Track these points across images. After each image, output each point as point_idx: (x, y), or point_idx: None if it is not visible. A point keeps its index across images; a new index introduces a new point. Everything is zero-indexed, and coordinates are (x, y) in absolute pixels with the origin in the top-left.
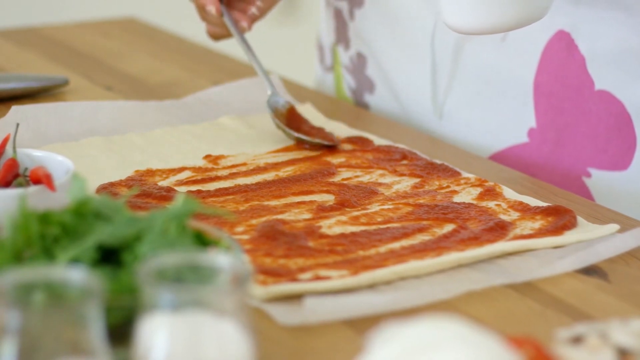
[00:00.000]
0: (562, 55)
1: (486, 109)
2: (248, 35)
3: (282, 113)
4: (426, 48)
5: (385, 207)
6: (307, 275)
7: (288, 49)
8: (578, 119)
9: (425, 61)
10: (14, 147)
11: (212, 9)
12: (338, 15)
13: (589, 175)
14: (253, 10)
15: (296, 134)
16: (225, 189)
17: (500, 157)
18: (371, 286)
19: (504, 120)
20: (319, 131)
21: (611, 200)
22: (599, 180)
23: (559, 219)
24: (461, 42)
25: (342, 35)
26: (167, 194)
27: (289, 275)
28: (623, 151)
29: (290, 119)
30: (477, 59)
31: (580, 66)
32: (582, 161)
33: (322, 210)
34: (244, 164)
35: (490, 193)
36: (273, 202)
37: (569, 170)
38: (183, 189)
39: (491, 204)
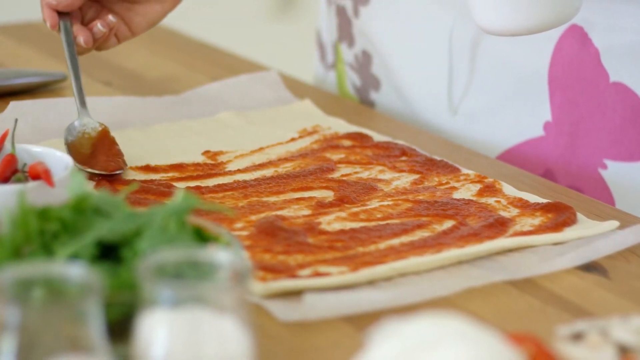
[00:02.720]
0: (576, 48)
1: (501, 104)
2: (245, 30)
3: (92, 137)
4: (442, 46)
5: (385, 203)
6: (306, 271)
7: (286, 45)
8: (593, 112)
9: (440, 59)
10: (13, 143)
11: (48, 23)
12: (341, 12)
13: (605, 167)
14: (98, 26)
15: (79, 166)
16: (224, 184)
17: (516, 152)
18: (371, 283)
19: (519, 114)
20: (118, 156)
21: (628, 191)
22: (616, 172)
23: (559, 216)
24: (477, 39)
25: (345, 32)
26: (166, 190)
27: (289, 271)
28: (639, 142)
29: (101, 142)
30: (491, 54)
31: (594, 59)
32: (598, 153)
33: (322, 207)
34: (242, 156)
35: (489, 189)
36: (272, 199)
37: (585, 163)
38: (182, 184)
39: (491, 201)
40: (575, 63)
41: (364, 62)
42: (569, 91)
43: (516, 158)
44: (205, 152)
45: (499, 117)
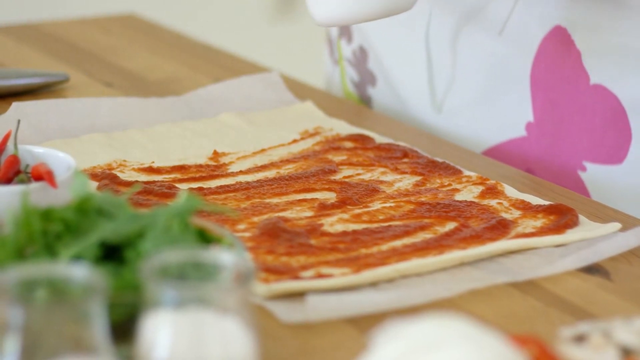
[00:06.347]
0: (559, 49)
1: (484, 103)
2: (248, 31)
3: None
4: (421, 42)
5: (387, 205)
6: (309, 273)
7: (289, 46)
8: (574, 113)
9: (421, 55)
10: (15, 144)
11: None
12: None
13: (584, 169)
14: None
15: None
16: (227, 186)
17: (498, 151)
18: (373, 284)
19: (502, 114)
20: None
21: (606, 193)
22: (595, 174)
23: (561, 218)
24: (456, 36)
25: (344, 28)
26: (168, 191)
27: (291, 272)
28: (618, 145)
29: None
30: (474, 53)
31: (576, 60)
32: (578, 155)
33: (324, 208)
34: (244, 157)
35: (491, 191)
36: (274, 200)
37: (565, 164)
38: (184, 185)
39: (493, 202)
40: (557, 64)
41: (361, 57)
42: (551, 92)
43: (498, 157)
44: (215, 153)
45: (482, 115)
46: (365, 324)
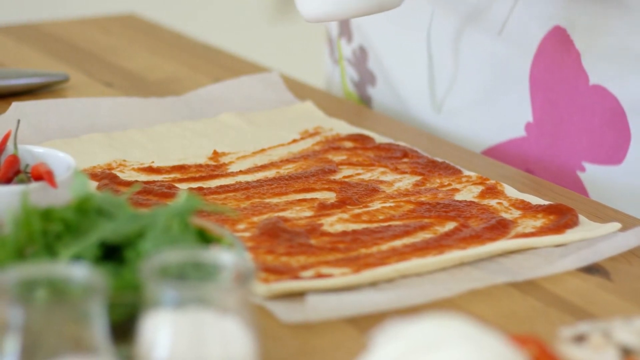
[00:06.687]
0: (558, 50)
1: (484, 103)
2: (248, 31)
3: None
4: (422, 42)
5: (387, 204)
6: (309, 272)
7: (288, 45)
8: (573, 114)
9: (422, 55)
10: (15, 144)
11: None
12: None
13: (583, 169)
14: None
15: None
16: (226, 186)
17: (498, 151)
18: (373, 284)
19: (502, 114)
20: None
21: (605, 194)
22: (593, 175)
23: (561, 218)
24: (458, 37)
25: (344, 28)
26: (168, 191)
27: (291, 272)
28: (617, 145)
29: None
30: (474, 53)
31: (575, 61)
32: (577, 155)
33: (324, 208)
34: (243, 157)
35: (491, 191)
36: (274, 200)
37: (564, 165)
38: (184, 185)
39: (493, 202)
40: (557, 64)
41: (361, 57)
42: (550, 93)
43: (498, 157)
44: (214, 153)
45: (482, 115)
46: (365, 324)
